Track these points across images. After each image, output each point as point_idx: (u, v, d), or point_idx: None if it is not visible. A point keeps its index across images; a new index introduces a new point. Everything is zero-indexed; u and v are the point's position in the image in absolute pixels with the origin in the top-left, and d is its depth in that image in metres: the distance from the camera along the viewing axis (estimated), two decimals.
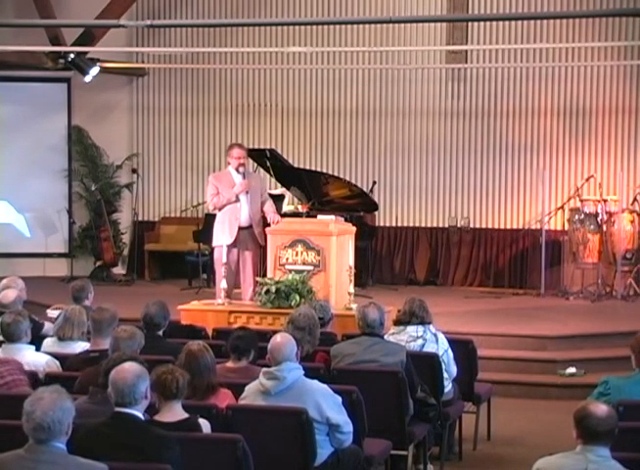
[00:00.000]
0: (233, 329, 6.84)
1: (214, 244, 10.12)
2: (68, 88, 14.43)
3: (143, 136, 14.62)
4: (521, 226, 13.39)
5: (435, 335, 7.11)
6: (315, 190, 12.25)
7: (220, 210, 10.04)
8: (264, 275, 9.58)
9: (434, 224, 13.77)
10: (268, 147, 12.81)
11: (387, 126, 13.87)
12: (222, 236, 9.95)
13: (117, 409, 4.55)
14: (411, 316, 7.09)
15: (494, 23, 13.29)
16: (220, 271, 9.76)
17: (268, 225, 9.74)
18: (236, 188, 9.98)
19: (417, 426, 6.55)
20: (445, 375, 6.98)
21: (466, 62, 13.55)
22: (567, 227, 12.62)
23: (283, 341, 5.63)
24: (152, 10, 14.27)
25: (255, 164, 12.60)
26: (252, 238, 10.02)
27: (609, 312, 11.33)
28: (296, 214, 11.87)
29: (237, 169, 10.03)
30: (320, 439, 5.46)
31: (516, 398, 9.07)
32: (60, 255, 14.50)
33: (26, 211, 14.53)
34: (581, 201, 12.47)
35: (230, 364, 6.12)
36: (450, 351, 7.10)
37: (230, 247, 9.86)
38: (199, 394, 5.46)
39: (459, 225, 13.63)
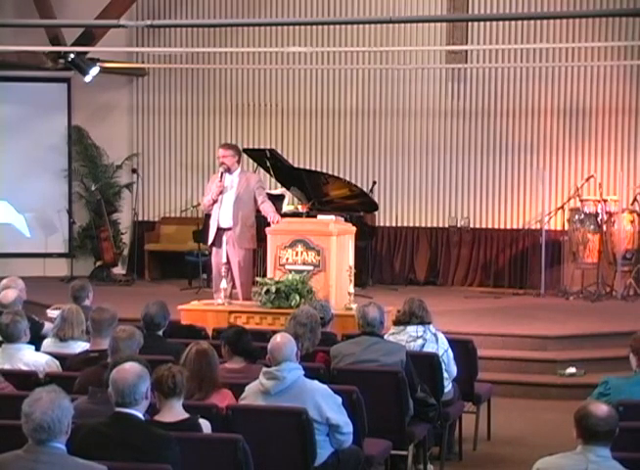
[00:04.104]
0: (225, 329, 6.84)
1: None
2: (68, 88, 14.42)
3: (143, 136, 14.61)
4: (521, 226, 13.39)
5: (435, 335, 7.11)
6: (315, 190, 12.25)
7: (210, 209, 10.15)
8: (264, 275, 9.58)
9: (434, 224, 13.77)
10: (268, 147, 12.81)
11: (387, 126, 13.87)
12: (209, 236, 10.07)
13: (118, 409, 4.55)
14: (411, 316, 7.09)
15: (494, 23, 13.28)
16: (220, 271, 9.77)
17: (268, 225, 9.73)
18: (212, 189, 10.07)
19: (417, 426, 6.55)
20: (445, 375, 6.98)
21: (466, 62, 13.55)
22: (567, 227, 12.61)
23: (283, 341, 5.63)
24: (152, 10, 14.27)
25: (255, 164, 12.61)
26: (236, 239, 9.98)
27: (609, 312, 11.32)
28: (296, 214, 11.87)
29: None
30: (320, 439, 5.46)
31: (516, 398, 9.07)
32: (60, 255, 14.50)
33: (26, 211, 14.52)
34: (581, 201, 12.47)
35: (230, 365, 6.12)
36: (450, 350, 7.10)
37: (215, 248, 9.93)
38: (204, 389, 5.48)
39: (459, 225, 13.63)
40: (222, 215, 9.98)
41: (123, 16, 12.98)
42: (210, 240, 10.05)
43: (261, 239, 9.97)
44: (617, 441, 4.43)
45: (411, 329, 7.07)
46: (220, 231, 9.96)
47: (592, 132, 13.32)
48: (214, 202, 9.99)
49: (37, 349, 6.67)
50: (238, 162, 10.24)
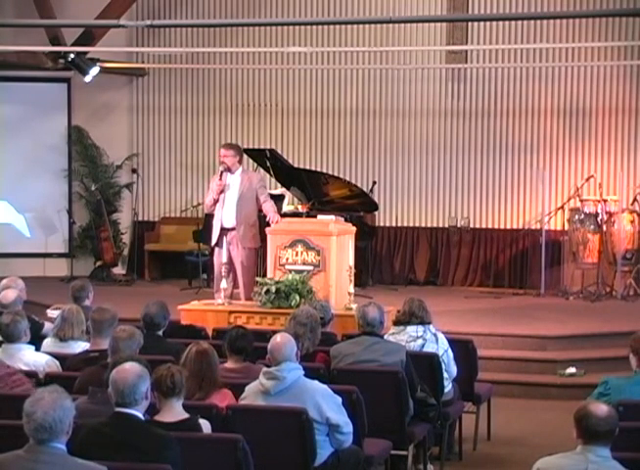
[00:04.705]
0: (228, 329, 6.84)
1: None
2: (68, 88, 14.42)
3: (143, 136, 14.61)
4: (521, 226, 13.39)
5: (435, 335, 7.11)
6: (315, 190, 12.25)
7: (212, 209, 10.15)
8: (264, 275, 9.58)
9: (434, 224, 13.77)
10: (268, 147, 12.81)
11: (387, 126, 13.87)
12: (212, 237, 10.06)
13: (118, 409, 4.56)
14: (410, 316, 7.09)
15: (494, 23, 13.28)
16: (220, 271, 9.78)
17: (268, 225, 9.73)
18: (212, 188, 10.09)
19: (417, 426, 6.55)
20: (445, 375, 6.98)
21: (466, 62, 13.55)
22: (567, 227, 12.61)
23: (283, 341, 5.63)
24: (152, 10, 14.27)
25: (255, 164, 12.60)
26: (239, 238, 9.99)
27: (609, 312, 11.33)
28: (296, 214, 11.87)
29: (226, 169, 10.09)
30: (320, 439, 5.46)
31: (516, 398, 9.07)
32: (60, 255, 14.50)
33: (26, 211, 14.52)
34: (581, 201, 12.47)
35: (230, 364, 6.12)
36: (450, 351, 7.10)
37: (218, 248, 9.92)
38: (205, 389, 5.49)
39: (459, 225, 13.62)
40: (225, 215, 9.99)
41: (123, 16, 12.98)
42: (214, 240, 10.04)
43: (262, 239, 9.97)
44: (617, 441, 4.43)
45: (411, 329, 7.07)
46: (223, 231, 9.96)
47: (592, 132, 13.32)
48: (216, 201, 10.00)
49: (37, 349, 6.67)
50: (239, 161, 10.25)
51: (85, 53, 13.15)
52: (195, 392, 5.48)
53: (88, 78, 13.40)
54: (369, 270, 13.27)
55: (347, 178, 13.13)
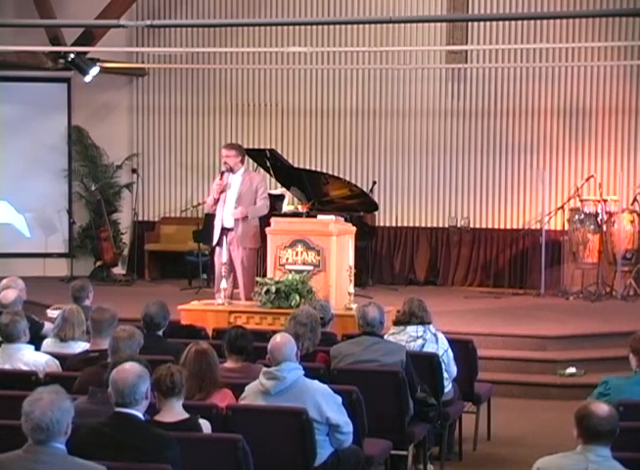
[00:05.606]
0: (228, 329, 6.83)
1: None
2: (68, 88, 14.42)
3: (143, 136, 14.61)
4: (521, 226, 13.39)
5: (435, 335, 7.12)
6: (315, 190, 12.26)
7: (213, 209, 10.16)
8: (264, 275, 9.58)
9: (434, 224, 13.77)
10: (268, 147, 12.81)
11: (387, 126, 13.87)
12: (214, 236, 10.07)
13: (118, 409, 4.55)
14: (410, 316, 7.09)
15: (494, 23, 13.28)
16: (220, 271, 9.78)
17: (268, 225, 9.73)
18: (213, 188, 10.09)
19: (417, 426, 6.55)
20: (445, 375, 6.98)
21: (466, 62, 13.55)
22: (567, 227, 12.62)
23: (283, 341, 5.63)
24: (152, 10, 14.27)
25: (255, 164, 12.60)
26: (238, 238, 9.99)
27: (609, 312, 11.33)
28: (296, 214, 11.88)
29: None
30: (320, 439, 5.46)
31: (516, 398, 9.07)
32: (60, 255, 14.50)
33: (26, 211, 14.52)
34: (581, 201, 12.47)
35: (229, 364, 6.12)
36: (450, 351, 7.10)
37: (219, 247, 9.93)
38: (205, 389, 5.49)
39: (459, 225, 13.62)
40: (226, 215, 10.01)
41: (123, 16, 12.98)
42: (216, 240, 10.05)
43: (262, 239, 9.97)
44: (617, 441, 4.43)
45: (411, 329, 7.07)
46: (224, 231, 9.97)
47: (592, 132, 13.32)
48: (216, 201, 10.02)
49: (37, 349, 6.67)
50: (242, 162, 10.25)
51: (85, 53, 13.15)
52: (195, 392, 5.48)
53: (88, 78, 13.40)
54: (369, 270, 13.27)
55: (347, 178, 13.13)
